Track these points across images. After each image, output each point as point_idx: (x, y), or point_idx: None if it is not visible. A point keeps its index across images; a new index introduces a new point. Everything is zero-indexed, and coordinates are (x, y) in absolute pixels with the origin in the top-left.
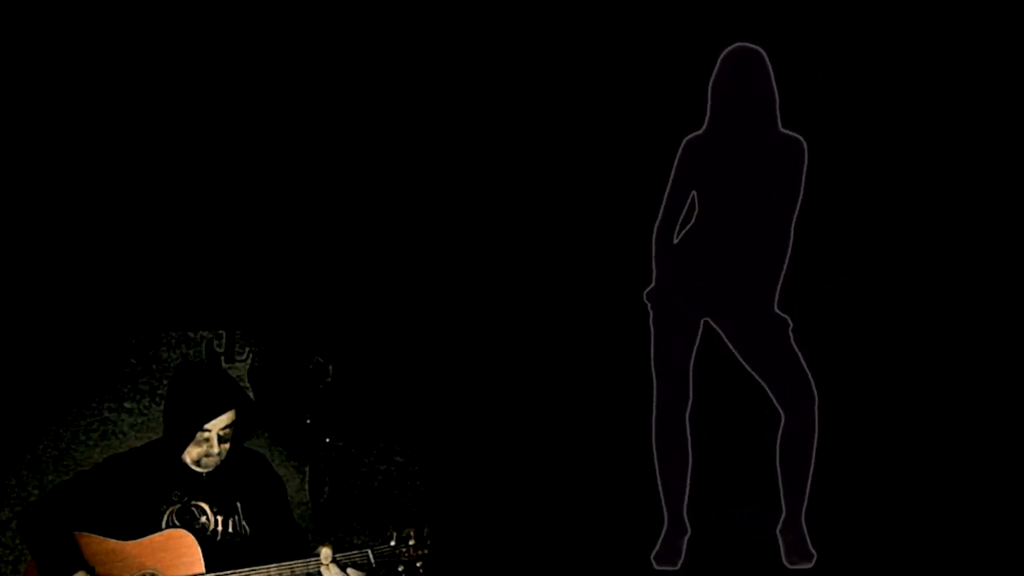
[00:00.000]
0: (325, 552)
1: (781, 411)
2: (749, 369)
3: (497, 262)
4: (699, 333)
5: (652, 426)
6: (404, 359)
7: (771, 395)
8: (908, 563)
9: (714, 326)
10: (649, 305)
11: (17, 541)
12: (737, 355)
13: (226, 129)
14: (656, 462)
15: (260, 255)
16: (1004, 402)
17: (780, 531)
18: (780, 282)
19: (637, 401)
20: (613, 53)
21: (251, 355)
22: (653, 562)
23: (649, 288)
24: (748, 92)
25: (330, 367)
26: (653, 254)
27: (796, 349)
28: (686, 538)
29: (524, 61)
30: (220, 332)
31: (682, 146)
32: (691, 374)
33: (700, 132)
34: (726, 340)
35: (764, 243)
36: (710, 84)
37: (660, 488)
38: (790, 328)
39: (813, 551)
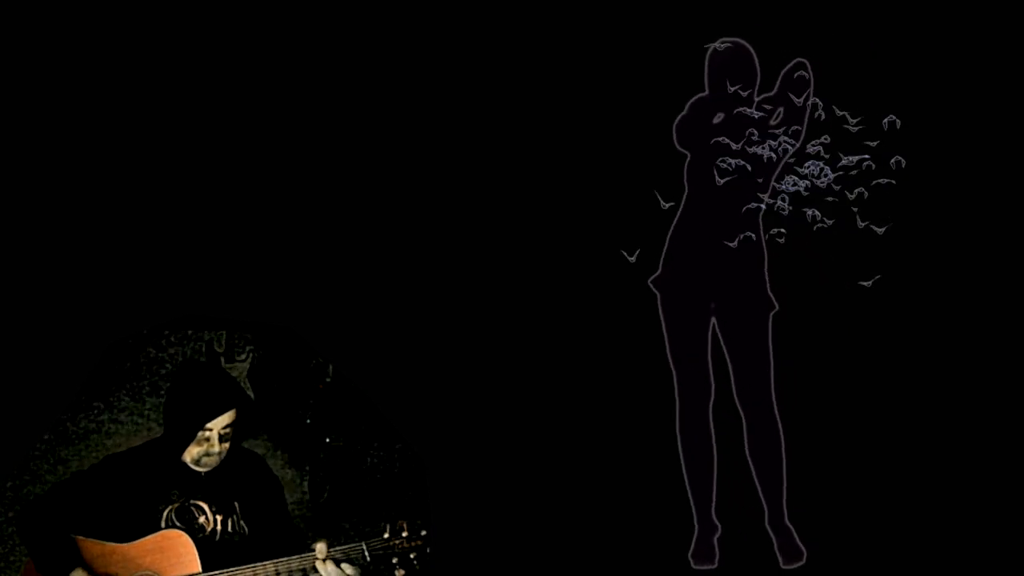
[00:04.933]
0: (320, 547)
1: (741, 411)
2: (728, 357)
3: (494, 258)
4: (711, 319)
5: (676, 422)
6: (402, 355)
7: (735, 389)
8: (905, 563)
9: (714, 315)
10: (656, 292)
11: (16, 541)
12: (722, 341)
13: (225, 130)
14: (682, 459)
15: (260, 255)
16: (997, 400)
17: (770, 529)
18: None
19: (641, 395)
20: (610, 47)
21: (251, 355)
22: (691, 561)
23: (655, 276)
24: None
25: (330, 367)
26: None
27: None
28: (717, 536)
29: (515, 57)
30: (220, 332)
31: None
32: (710, 364)
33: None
34: (717, 325)
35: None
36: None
37: (687, 486)
38: (772, 312)
39: (803, 548)
